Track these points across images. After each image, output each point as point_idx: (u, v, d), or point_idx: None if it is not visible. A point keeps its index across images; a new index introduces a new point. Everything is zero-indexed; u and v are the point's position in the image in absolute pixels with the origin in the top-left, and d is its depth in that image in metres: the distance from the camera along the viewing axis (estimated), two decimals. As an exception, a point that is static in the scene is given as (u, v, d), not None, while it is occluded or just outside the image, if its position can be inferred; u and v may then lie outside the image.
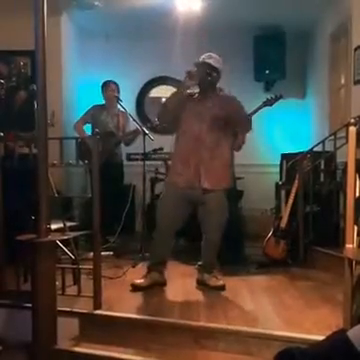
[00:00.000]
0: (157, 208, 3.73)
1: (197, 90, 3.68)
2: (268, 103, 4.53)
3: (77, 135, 4.93)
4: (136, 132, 5.08)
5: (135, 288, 3.56)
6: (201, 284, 3.73)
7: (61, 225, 3.62)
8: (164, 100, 3.73)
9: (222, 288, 3.60)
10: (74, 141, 3.52)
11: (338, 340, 2.07)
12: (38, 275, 2.69)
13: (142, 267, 4.02)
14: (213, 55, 3.66)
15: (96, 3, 5.50)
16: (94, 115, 5.26)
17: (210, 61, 3.61)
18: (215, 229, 3.64)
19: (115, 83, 5.35)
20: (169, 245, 3.76)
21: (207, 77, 3.58)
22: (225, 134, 3.61)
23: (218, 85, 3.75)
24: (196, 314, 3.08)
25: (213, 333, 2.81)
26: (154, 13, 5.55)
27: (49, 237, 2.73)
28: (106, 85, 5.35)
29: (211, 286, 3.64)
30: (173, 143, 3.73)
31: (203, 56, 3.66)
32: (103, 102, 5.40)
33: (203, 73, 3.56)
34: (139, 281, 3.62)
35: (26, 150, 3.48)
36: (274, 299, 3.44)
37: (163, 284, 3.70)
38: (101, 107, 5.36)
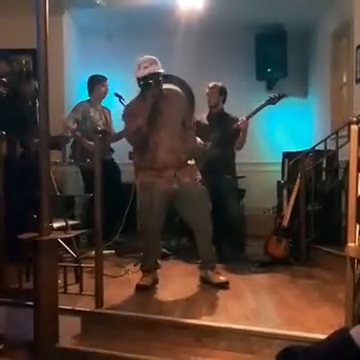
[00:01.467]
0: (139, 215, 3.74)
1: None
2: (271, 102, 4.55)
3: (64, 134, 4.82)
4: None
5: (141, 288, 3.57)
6: (205, 282, 3.73)
7: (63, 224, 3.62)
8: (131, 131, 3.63)
9: (225, 285, 3.61)
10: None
11: (340, 338, 2.07)
12: (40, 273, 2.69)
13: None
14: (151, 58, 3.57)
15: (98, 1, 5.48)
16: (83, 112, 5.12)
17: (155, 70, 3.52)
18: (203, 219, 3.63)
19: None
20: (159, 246, 3.85)
21: (159, 85, 3.54)
22: (183, 126, 3.63)
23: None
24: (198, 312, 3.08)
25: (215, 331, 2.81)
26: (156, 11, 5.54)
27: (51, 235, 2.73)
28: (102, 81, 5.22)
29: (215, 283, 3.64)
30: (136, 156, 3.74)
31: (143, 64, 3.54)
32: (89, 98, 5.26)
33: (155, 84, 3.51)
34: (143, 282, 3.63)
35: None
36: (276, 298, 3.43)
37: (156, 282, 3.74)
38: (88, 103, 5.20)
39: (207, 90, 4.74)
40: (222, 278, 3.68)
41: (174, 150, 3.55)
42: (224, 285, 3.61)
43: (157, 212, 3.60)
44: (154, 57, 3.58)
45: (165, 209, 3.68)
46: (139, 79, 3.55)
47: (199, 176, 3.70)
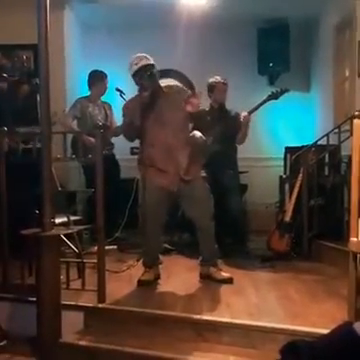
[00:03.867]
0: (142, 211, 3.75)
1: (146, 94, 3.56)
2: (273, 96, 4.53)
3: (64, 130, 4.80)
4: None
5: (143, 284, 3.57)
6: (206, 278, 3.71)
7: (65, 219, 3.62)
8: (121, 124, 3.74)
9: (229, 281, 3.60)
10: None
11: (344, 332, 2.06)
12: (42, 269, 2.70)
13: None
14: (140, 55, 3.58)
15: (99, -4, 5.49)
16: (82, 108, 5.11)
17: (145, 62, 3.53)
18: (205, 217, 3.62)
19: None
20: (160, 242, 3.86)
21: (151, 78, 3.54)
22: (185, 123, 3.62)
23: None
24: (200, 308, 3.08)
25: (217, 326, 2.82)
26: (158, 6, 5.51)
27: (53, 231, 2.73)
28: (103, 77, 5.19)
29: (218, 279, 3.63)
30: (143, 151, 3.69)
31: (135, 60, 3.56)
32: (88, 94, 5.24)
33: (146, 78, 3.52)
34: (145, 277, 3.64)
35: (29, 145, 3.48)
36: (278, 293, 3.43)
37: (158, 277, 3.73)
38: (87, 99, 5.19)
39: (216, 85, 4.66)
40: (225, 274, 3.67)
41: (176, 148, 3.53)
42: (227, 281, 3.60)
43: (159, 208, 3.59)
44: (144, 54, 3.60)
45: (167, 205, 3.67)
46: (133, 77, 3.57)
47: (202, 173, 3.68)
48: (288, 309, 3.04)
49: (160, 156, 3.54)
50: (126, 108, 3.71)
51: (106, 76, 5.21)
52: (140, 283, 3.58)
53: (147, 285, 3.56)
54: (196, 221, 3.67)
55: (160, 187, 3.54)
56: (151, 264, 3.72)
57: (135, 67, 3.52)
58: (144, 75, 3.52)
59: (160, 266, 3.80)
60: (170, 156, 3.52)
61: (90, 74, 5.22)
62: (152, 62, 3.56)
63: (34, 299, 2.78)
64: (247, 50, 6.42)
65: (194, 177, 3.57)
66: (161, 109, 3.55)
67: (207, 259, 3.74)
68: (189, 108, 3.44)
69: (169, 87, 3.68)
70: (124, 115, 3.71)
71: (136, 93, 3.67)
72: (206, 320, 2.88)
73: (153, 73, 3.55)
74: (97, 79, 5.18)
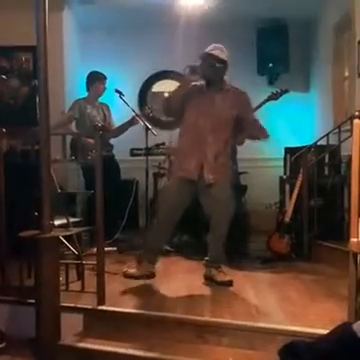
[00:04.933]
0: (159, 197, 3.71)
1: (202, 83, 3.60)
2: (273, 97, 4.53)
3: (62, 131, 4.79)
4: (131, 122, 5.04)
5: (127, 277, 3.57)
6: (208, 280, 3.69)
7: (64, 221, 3.61)
8: (167, 95, 3.68)
9: (229, 283, 3.57)
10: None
11: (343, 333, 2.06)
12: (42, 271, 2.69)
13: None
14: (218, 46, 3.57)
15: (98, -3, 5.49)
16: (80, 110, 5.11)
17: (214, 52, 3.52)
18: (224, 220, 3.58)
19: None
20: (166, 235, 3.76)
21: (211, 70, 3.51)
22: (230, 131, 3.58)
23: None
24: (200, 309, 3.07)
25: (217, 328, 2.80)
26: (156, 7, 5.52)
27: (52, 233, 2.72)
28: (102, 78, 5.20)
29: (218, 282, 3.60)
30: (178, 137, 3.69)
31: (208, 48, 3.57)
32: (86, 95, 5.25)
33: (207, 66, 3.50)
34: (132, 270, 3.61)
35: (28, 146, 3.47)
36: (278, 294, 3.42)
37: (153, 276, 3.64)
38: (85, 101, 5.19)
39: None
40: (226, 277, 3.62)
41: (209, 143, 3.50)
42: (227, 283, 3.57)
43: (177, 201, 3.56)
44: (222, 46, 3.58)
45: (186, 202, 3.59)
46: (200, 56, 3.54)
47: (229, 178, 3.63)
48: (288, 310, 3.03)
49: (191, 143, 3.53)
50: (182, 84, 3.64)
51: (104, 77, 5.21)
52: (125, 275, 3.57)
53: (131, 279, 3.55)
54: (211, 220, 3.63)
55: (182, 180, 3.52)
56: (148, 259, 3.63)
57: (213, 50, 3.52)
58: (207, 63, 3.50)
59: (155, 266, 3.71)
60: (200, 147, 3.50)
61: (88, 75, 5.23)
62: (220, 56, 3.50)
63: (33, 301, 2.77)
64: (246, 50, 6.41)
65: (218, 180, 3.52)
66: (211, 102, 3.53)
67: (213, 260, 3.70)
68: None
69: (232, 87, 3.66)
70: (177, 89, 3.66)
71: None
72: (206, 321, 2.87)
73: (216, 67, 3.50)
74: (95, 80, 5.18)
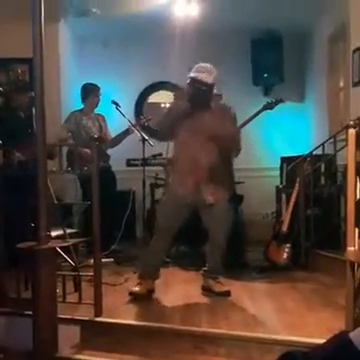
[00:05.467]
0: (157, 213, 3.73)
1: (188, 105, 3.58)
2: (268, 107, 4.54)
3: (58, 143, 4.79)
4: (127, 132, 5.06)
5: (134, 296, 3.52)
6: (206, 290, 3.69)
7: (61, 232, 3.61)
8: (158, 123, 3.80)
9: (227, 294, 3.56)
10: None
11: (340, 342, 2.06)
12: (38, 282, 2.68)
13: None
14: (204, 67, 3.53)
15: (93, 10, 5.51)
16: (76, 121, 5.14)
17: (200, 76, 3.49)
18: (222, 233, 3.60)
19: None
20: (166, 250, 3.78)
21: (197, 94, 3.51)
22: (222, 146, 3.58)
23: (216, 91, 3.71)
24: (197, 320, 3.06)
25: (214, 338, 2.80)
26: (151, 19, 5.56)
27: (49, 244, 2.72)
28: (96, 89, 5.23)
29: (216, 292, 3.60)
30: (172, 155, 3.72)
31: (195, 68, 3.54)
32: (82, 107, 5.29)
33: (192, 90, 3.52)
34: (137, 289, 3.57)
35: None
36: (276, 303, 3.42)
37: (153, 291, 3.64)
38: (81, 112, 5.23)
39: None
40: (224, 288, 3.63)
41: (205, 164, 3.49)
42: (225, 294, 3.57)
43: (173, 216, 3.56)
44: (212, 67, 3.56)
45: (183, 216, 3.60)
46: (191, 79, 3.53)
47: (226, 194, 3.63)
48: (285, 320, 3.03)
49: (185, 164, 3.54)
50: (170, 109, 3.75)
51: (98, 89, 5.25)
52: (131, 295, 3.52)
53: (139, 298, 3.50)
54: (210, 235, 3.65)
55: (180, 197, 3.53)
56: (147, 275, 3.64)
57: (198, 75, 3.49)
58: (193, 88, 3.51)
59: (156, 281, 3.70)
60: (195, 169, 3.50)
61: (83, 87, 5.27)
62: (206, 80, 3.47)
63: (30, 313, 2.76)
64: (241, 61, 6.46)
65: (216, 197, 3.54)
66: (197, 123, 3.53)
67: (211, 272, 3.71)
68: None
69: (217, 105, 3.69)
70: (165, 113, 3.75)
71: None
72: (203, 332, 2.86)
73: (202, 91, 3.49)
74: (89, 92, 5.22)
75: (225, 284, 3.69)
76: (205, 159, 3.50)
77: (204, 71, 3.50)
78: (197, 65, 3.55)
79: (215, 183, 3.55)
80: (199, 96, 3.52)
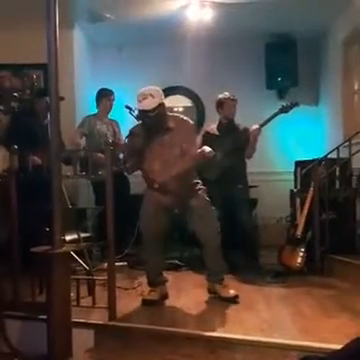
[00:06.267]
0: (140, 223, 3.72)
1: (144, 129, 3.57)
2: (284, 110, 4.53)
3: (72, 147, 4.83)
4: None
5: (147, 303, 3.52)
6: (212, 293, 3.66)
7: (75, 236, 3.62)
8: (125, 157, 3.79)
9: (234, 300, 3.50)
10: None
11: (357, 348, 2.04)
12: (53, 286, 2.69)
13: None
14: (144, 94, 3.44)
15: (108, 15, 5.55)
16: (90, 126, 5.18)
17: (143, 105, 3.44)
18: (210, 234, 3.56)
19: None
20: (161, 259, 3.76)
21: (149, 121, 3.48)
22: (183, 158, 3.53)
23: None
24: (212, 324, 3.05)
25: (229, 343, 2.78)
26: (165, 23, 5.58)
27: (63, 248, 2.73)
28: (109, 94, 5.28)
29: (222, 297, 3.55)
30: (144, 178, 3.70)
31: (138, 98, 3.46)
32: (96, 111, 5.33)
33: (144, 119, 3.50)
34: (149, 296, 3.58)
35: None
36: (291, 308, 3.40)
37: (167, 297, 3.64)
38: (95, 117, 5.28)
39: (225, 101, 4.64)
40: (231, 292, 3.57)
41: (173, 176, 3.48)
42: (233, 300, 3.51)
43: (155, 223, 3.55)
44: (153, 89, 3.50)
45: (165, 221, 3.62)
46: (139, 111, 3.52)
47: (203, 191, 3.64)
48: (300, 325, 3.00)
49: (158, 185, 3.54)
50: (130, 141, 3.64)
51: (112, 93, 5.29)
52: (144, 302, 3.52)
53: (152, 305, 3.49)
54: (200, 236, 3.61)
55: (157, 201, 3.54)
56: (155, 283, 3.64)
57: (139, 105, 3.46)
58: (143, 117, 3.50)
59: (167, 284, 3.71)
60: (168, 183, 3.49)
61: (98, 92, 5.31)
62: (153, 106, 3.42)
63: (45, 317, 2.77)
64: (255, 65, 6.45)
65: (195, 198, 3.56)
66: (162, 141, 3.52)
67: (212, 275, 3.68)
68: (200, 156, 3.49)
69: (174, 119, 3.61)
70: (126, 147, 3.71)
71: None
72: (218, 337, 2.85)
73: (152, 118, 3.45)
74: (103, 97, 5.28)
75: (238, 288, 3.66)
76: (175, 177, 3.48)
77: (146, 97, 3.43)
78: (138, 93, 3.48)
79: (188, 187, 3.57)
80: (151, 123, 3.50)
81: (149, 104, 3.42)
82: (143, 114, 3.48)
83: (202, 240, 3.62)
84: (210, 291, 3.70)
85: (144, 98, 3.43)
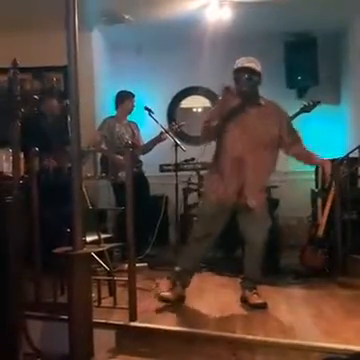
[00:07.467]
0: (197, 219, 3.67)
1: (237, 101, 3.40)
2: (306, 109, 4.48)
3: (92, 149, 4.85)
4: (160, 138, 5.09)
5: (163, 300, 3.52)
6: (244, 302, 3.53)
7: (96, 237, 3.64)
8: (204, 121, 3.47)
9: (262, 306, 3.39)
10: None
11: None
12: (74, 287, 2.70)
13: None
14: (251, 58, 3.42)
15: (127, 17, 5.57)
16: (109, 128, 5.19)
17: (250, 65, 3.37)
18: (259, 235, 3.47)
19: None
20: (202, 257, 3.72)
21: (248, 84, 3.37)
22: (273, 151, 3.47)
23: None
24: (233, 325, 3.04)
25: (251, 345, 2.76)
26: (184, 24, 5.57)
27: (84, 249, 2.74)
28: (128, 97, 5.28)
29: (251, 304, 3.45)
30: (214, 156, 3.52)
31: (240, 60, 3.43)
32: (115, 113, 5.34)
33: (243, 80, 3.38)
34: (166, 294, 3.57)
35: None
36: (313, 309, 3.36)
37: (183, 300, 3.58)
38: (114, 119, 5.28)
39: None
40: (259, 300, 3.46)
41: (250, 165, 3.33)
42: (260, 306, 3.40)
43: (212, 222, 3.46)
44: (253, 59, 3.45)
45: (223, 220, 3.49)
46: (233, 71, 3.46)
47: (265, 199, 3.57)
48: (323, 326, 2.97)
49: (230, 165, 3.37)
50: (220, 105, 3.50)
51: (132, 96, 5.29)
52: (161, 299, 3.52)
53: (167, 302, 3.49)
54: (247, 241, 3.54)
55: (219, 203, 3.40)
56: (182, 281, 3.60)
57: (239, 64, 3.41)
58: (242, 77, 3.40)
59: (186, 289, 3.64)
60: (240, 170, 3.34)
61: (117, 94, 5.32)
62: (256, 68, 3.37)
63: (66, 317, 2.78)
64: (275, 64, 6.38)
65: (257, 202, 3.40)
66: (248, 119, 3.36)
67: (248, 280, 3.57)
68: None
69: (267, 101, 3.51)
70: (214, 111, 3.54)
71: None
72: (240, 338, 2.83)
73: (251, 79, 3.38)
74: (123, 99, 5.28)
75: (262, 292, 3.57)
76: (254, 163, 3.33)
77: (251, 61, 3.40)
78: (241, 58, 3.42)
79: (259, 187, 3.46)
80: (250, 87, 3.39)
81: (255, 66, 3.39)
82: (246, 76, 3.37)
83: (248, 247, 3.55)
84: (242, 299, 3.56)
85: (251, 61, 3.40)
